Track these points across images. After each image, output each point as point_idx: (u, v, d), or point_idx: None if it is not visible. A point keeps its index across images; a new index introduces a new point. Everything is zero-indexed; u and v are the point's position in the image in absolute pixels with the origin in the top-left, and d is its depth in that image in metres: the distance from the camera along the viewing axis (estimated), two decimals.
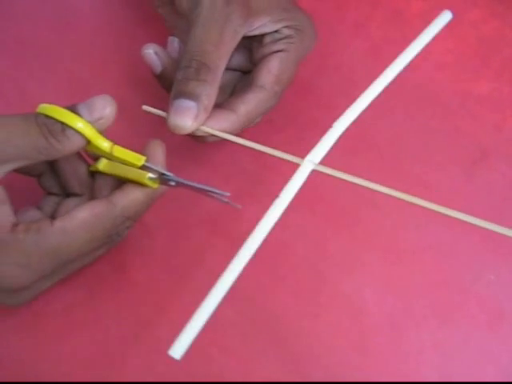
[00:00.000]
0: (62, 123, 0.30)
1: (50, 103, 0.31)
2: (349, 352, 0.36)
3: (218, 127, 0.34)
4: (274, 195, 0.30)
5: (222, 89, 0.37)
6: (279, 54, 0.37)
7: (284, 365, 0.35)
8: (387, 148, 0.41)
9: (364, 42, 0.44)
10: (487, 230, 0.28)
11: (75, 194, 0.35)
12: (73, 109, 0.31)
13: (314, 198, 0.39)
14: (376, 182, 0.29)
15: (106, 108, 0.31)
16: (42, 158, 0.31)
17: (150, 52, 0.36)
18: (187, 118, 0.33)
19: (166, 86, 0.37)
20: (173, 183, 0.32)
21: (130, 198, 0.32)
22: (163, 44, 0.38)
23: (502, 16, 0.44)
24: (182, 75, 0.34)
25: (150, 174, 0.32)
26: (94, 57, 0.45)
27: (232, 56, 0.37)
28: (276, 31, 0.37)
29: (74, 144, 0.31)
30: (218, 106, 0.35)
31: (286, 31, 0.37)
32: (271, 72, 0.36)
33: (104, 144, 0.31)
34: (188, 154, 0.41)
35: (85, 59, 0.44)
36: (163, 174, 0.32)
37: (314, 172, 0.31)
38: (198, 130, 0.34)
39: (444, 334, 0.36)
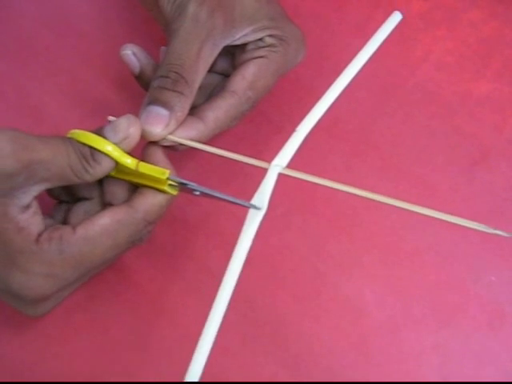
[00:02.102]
0: (93, 148, 0.31)
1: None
2: (349, 353, 0.36)
3: (186, 136, 0.34)
4: None
5: (201, 90, 0.37)
6: (258, 60, 0.36)
7: (284, 366, 0.35)
8: (387, 149, 0.41)
9: (364, 42, 0.44)
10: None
11: (84, 198, 0.35)
12: (99, 132, 0.32)
13: (314, 200, 0.39)
14: (362, 182, 0.29)
15: (130, 128, 0.31)
16: (76, 181, 0.31)
17: (128, 53, 0.36)
18: (158, 125, 0.33)
19: (145, 86, 0.37)
20: (197, 193, 0.32)
21: (151, 203, 0.32)
22: (162, 45, 0.38)
23: (502, 16, 0.44)
24: (158, 84, 0.33)
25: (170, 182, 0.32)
26: (93, 58, 0.45)
27: (215, 61, 0.37)
28: (259, 39, 0.36)
29: (104, 168, 0.32)
30: (189, 112, 0.35)
31: (269, 40, 0.36)
32: (245, 77, 0.36)
33: (129, 161, 0.32)
34: (186, 154, 0.41)
35: (85, 61, 0.44)
36: (187, 184, 0.32)
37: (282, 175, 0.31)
38: (164, 139, 0.34)
39: (444, 335, 0.36)
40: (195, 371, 0.27)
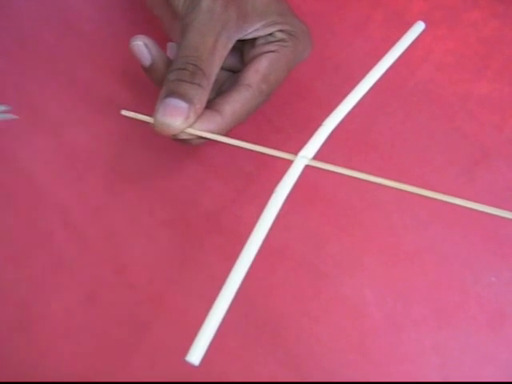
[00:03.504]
0: None
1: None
2: (349, 353, 0.36)
3: (204, 129, 0.34)
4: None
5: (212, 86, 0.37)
6: (269, 54, 0.36)
7: (284, 366, 0.35)
8: (387, 149, 0.41)
9: (364, 42, 0.44)
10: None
11: None
12: None
13: (314, 199, 0.39)
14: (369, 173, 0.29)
15: None
16: None
17: (139, 43, 0.36)
18: (177, 117, 0.33)
19: (156, 79, 0.36)
20: None
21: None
22: (163, 46, 0.38)
23: (502, 16, 0.44)
24: (176, 76, 0.33)
25: None
26: (94, 58, 0.45)
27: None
28: (269, 34, 0.37)
29: None
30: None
31: (280, 35, 0.37)
32: (259, 71, 0.36)
33: None
34: (187, 154, 0.41)
35: (86, 61, 0.44)
36: None
37: (313, 172, 0.31)
38: (182, 133, 0.33)
39: (444, 335, 0.36)
40: (197, 353, 0.27)
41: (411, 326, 0.36)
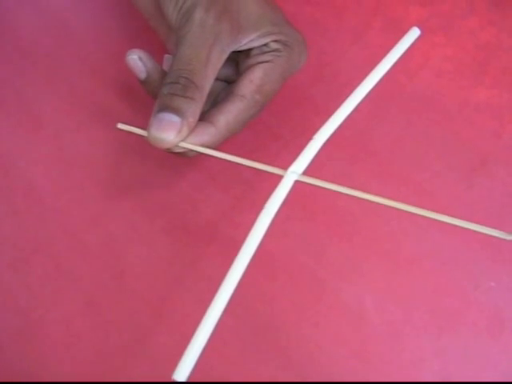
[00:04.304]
0: None
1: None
2: (349, 360, 0.36)
3: (198, 141, 0.34)
4: None
5: (207, 96, 0.37)
6: (264, 64, 0.36)
7: (284, 373, 0.35)
8: (386, 155, 0.41)
9: (362, 49, 0.44)
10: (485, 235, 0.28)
11: None
12: None
13: (314, 206, 0.39)
14: (363, 189, 0.29)
15: None
16: None
17: (135, 58, 0.36)
18: (170, 132, 0.33)
19: (151, 92, 0.37)
20: None
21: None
22: (162, 57, 0.38)
23: (500, 23, 0.44)
24: (168, 90, 0.33)
25: None
26: (93, 66, 0.45)
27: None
28: (264, 45, 0.37)
29: None
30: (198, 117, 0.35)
31: (274, 45, 0.37)
32: (253, 81, 0.36)
33: None
34: (186, 162, 0.41)
35: (84, 68, 0.45)
36: None
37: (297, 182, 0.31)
38: (176, 146, 0.34)
39: (444, 341, 0.36)
40: (184, 370, 0.27)
41: (411, 332, 0.36)
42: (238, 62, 0.39)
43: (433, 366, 0.35)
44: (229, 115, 0.35)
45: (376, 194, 0.29)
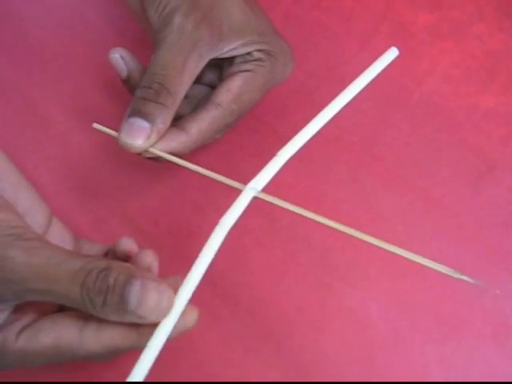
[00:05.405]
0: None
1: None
2: (353, 365, 0.36)
3: (168, 147, 0.34)
4: None
5: (188, 101, 0.37)
6: (245, 73, 0.36)
7: (288, 378, 0.35)
8: (392, 161, 0.41)
9: (370, 54, 0.44)
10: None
11: None
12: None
13: (319, 211, 0.39)
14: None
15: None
16: (86, 312, 0.27)
17: (116, 56, 0.36)
18: (138, 137, 0.33)
19: (132, 91, 0.37)
20: None
21: (100, 347, 0.28)
22: None
23: (509, 30, 0.44)
24: (141, 94, 0.33)
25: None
26: (100, 67, 0.45)
27: (203, 72, 0.37)
28: (247, 53, 0.36)
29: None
30: (173, 123, 0.35)
31: (258, 54, 0.36)
32: (230, 90, 0.36)
33: None
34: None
35: (91, 70, 0.45)
36: None
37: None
38: (146, 151, 0.34)
39: (449, 347, 0.36)
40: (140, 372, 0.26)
41: (416, 338, 0.36)
42: (222, 68, 0.38)
43: (437, 372, 0.35)
44: (202, 123, 0.35)
45: (329, 218, 0.29)
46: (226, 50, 0.35)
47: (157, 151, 0.34)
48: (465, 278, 0.27)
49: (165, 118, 0.33)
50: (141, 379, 0.25)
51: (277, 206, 0.30)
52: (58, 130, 0.43)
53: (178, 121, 0.35)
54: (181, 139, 0.34)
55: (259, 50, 0.36)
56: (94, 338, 0.28)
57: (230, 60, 0.37)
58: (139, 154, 0.34)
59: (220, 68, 0.39)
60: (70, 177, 0.41)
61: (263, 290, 0.37)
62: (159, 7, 0.35)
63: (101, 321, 0.27)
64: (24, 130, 0.43)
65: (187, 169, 0.33)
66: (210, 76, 0.39)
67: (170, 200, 0.40)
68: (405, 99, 0.42)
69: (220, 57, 0.36)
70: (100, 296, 0.26)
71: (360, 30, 0.45)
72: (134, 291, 0.26)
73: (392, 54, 0.35)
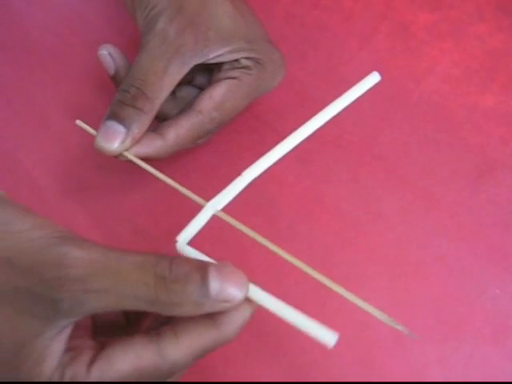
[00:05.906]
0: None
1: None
2: (353, 365, 0.35)
3: (143, 152, 0.34)
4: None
5: (177, 102, 0.37)
6: (229, 80, 0.36)
7: (288, 377, 0.35)
8: (392, 160, 0.41)
9: (369, 53, 0.44)
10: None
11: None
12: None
13: (319, 212, 0.39)
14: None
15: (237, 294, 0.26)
16: (154, 310, 0.25)
17: (105, 53, 0.36)
18: (113, 141, 0.33)
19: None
20: None
21: (184, 353, 0.26)
22: None
23: (509, 29, 0.44)
24: (119, 97, 0.33)
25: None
26: (99, 67, 0.45)
27: (194, 75, 0.37)
28: (235, 60, 0.36)
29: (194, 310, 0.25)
30: (157, 124, 0.35)
31: (245, 62, 0.36)
32: (212, 98, 0.35)
33: None
34: (188, 162, 0.41)
35: (90, 69, 0.45)
36: None
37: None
38: (120, 155, 0.34)
39: (449, 347, 0.36)
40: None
41: (416, 338, 0.36)
42: (212, 72, 0.38)
43: (437, 372, 0.35)
44: (180, 129, 0.35)
45: (281, 247, 0.30)
46: (211, 56, 0.35)
47: (130, 156, 0.34)
48: (399, 327, 0.27)
49: (141, 123, 0.33)
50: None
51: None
52: (57, 130, 0.43)
53: (161, 123, 0.35)
54: (156, 144, 0.34)
55: (247, 58, 0.36)
56: (175, 347, 0.26)
57: (219, 66, 0.37)
58: (115, 157, 0.34)
59: (211, 72, 0.38)
60: (70, 177, 0.41)
61: (263, 288, 0.37)
62: (145, 10, 0.35)
63: (175, 327, 0.26)
64: (24, 130, 0.43)
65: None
66: (201, 79, 0.39)
67: (170, 200, 0.40)
68: (405, 99, 0.42)
69: (206, 62, 0.35)
70: (178, 283, 0.24)
71: (360, 30, 0.45)
72: (214, 274, 0.25)
73: (374, 78, 0.34)
